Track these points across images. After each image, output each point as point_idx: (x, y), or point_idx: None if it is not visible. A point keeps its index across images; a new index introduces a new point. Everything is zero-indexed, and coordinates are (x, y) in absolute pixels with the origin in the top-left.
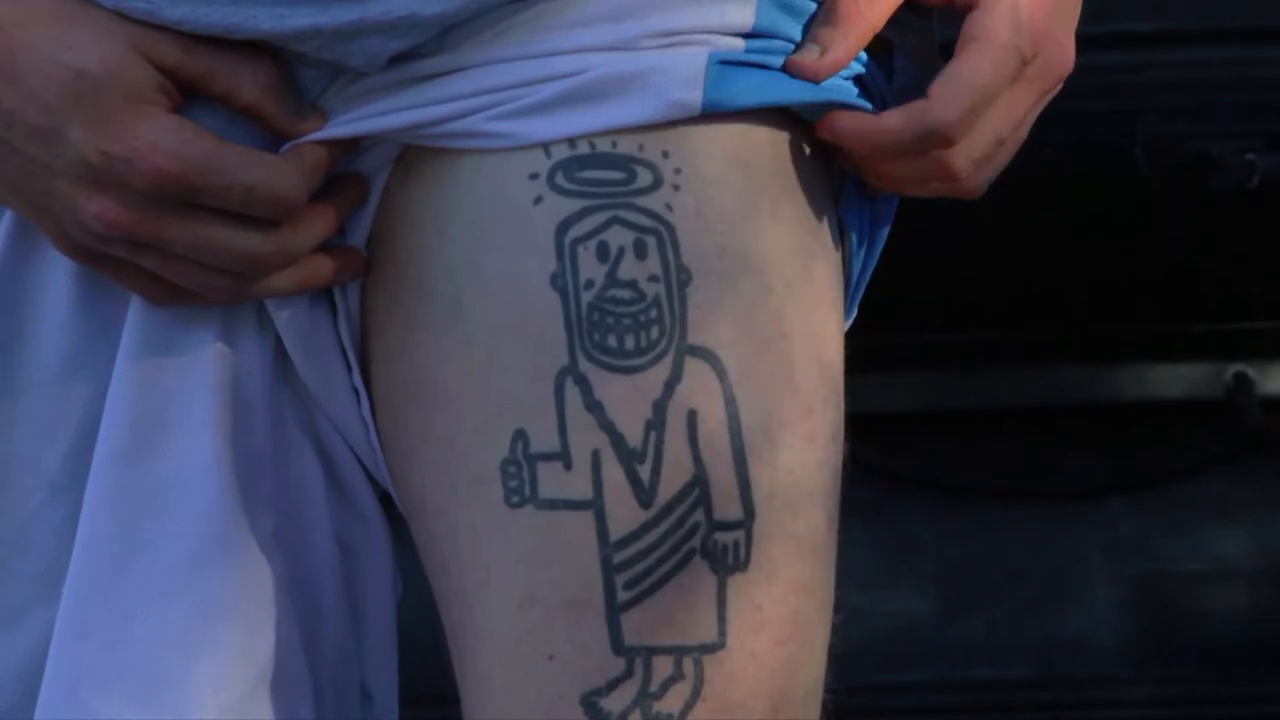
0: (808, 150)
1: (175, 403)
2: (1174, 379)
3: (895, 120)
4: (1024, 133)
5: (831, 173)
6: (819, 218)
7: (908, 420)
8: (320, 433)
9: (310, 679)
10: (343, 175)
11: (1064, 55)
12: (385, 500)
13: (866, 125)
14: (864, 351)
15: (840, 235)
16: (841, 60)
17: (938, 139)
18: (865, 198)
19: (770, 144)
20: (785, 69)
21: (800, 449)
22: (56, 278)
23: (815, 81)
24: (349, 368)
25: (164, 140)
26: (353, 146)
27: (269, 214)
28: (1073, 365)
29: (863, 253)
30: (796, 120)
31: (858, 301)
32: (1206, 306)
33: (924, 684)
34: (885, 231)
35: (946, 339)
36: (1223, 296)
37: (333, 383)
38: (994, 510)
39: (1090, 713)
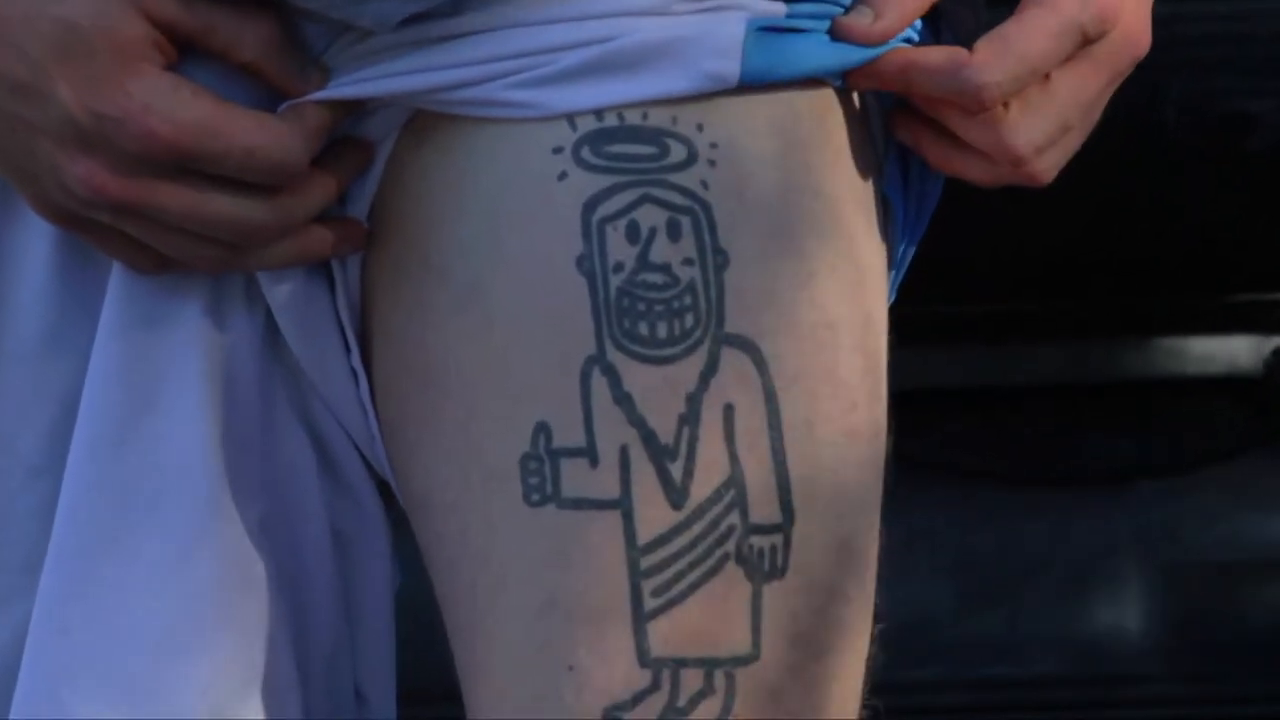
0: (851, 122)
1: (160, 382)
2: (1208, 354)
3: (935, 58)
4: (1094, 118)
5: (875, 146)
6: (863, 194)
7: (921, 399)
8: (313, 416)
9: (298, 679)
10: (345, 139)
11: (1137, 35)
12: (383, 486)
13: (898, 60)
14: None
15: (884, 213)
16: (895, 28)
17: (969, 98)
18: (911, 175)
19: (812, 115)
20: (833, 32)
21: (843, 446)
22: (35, 244)
23: (865, 46)
24: (347, 348)
25: (158, 101)
26: (357, 108)
27: (268, 180)
28: (1099, 340)
29: (905, 233)
30: (840, 90)
31: (897, 285)
32: (1243, 276)
33: (938, 682)
34: (930, 210)
35: (962, 311)
36: (1261, 265)
37: (329, 363)
38: (1014, 496)
39: (1118, 712)
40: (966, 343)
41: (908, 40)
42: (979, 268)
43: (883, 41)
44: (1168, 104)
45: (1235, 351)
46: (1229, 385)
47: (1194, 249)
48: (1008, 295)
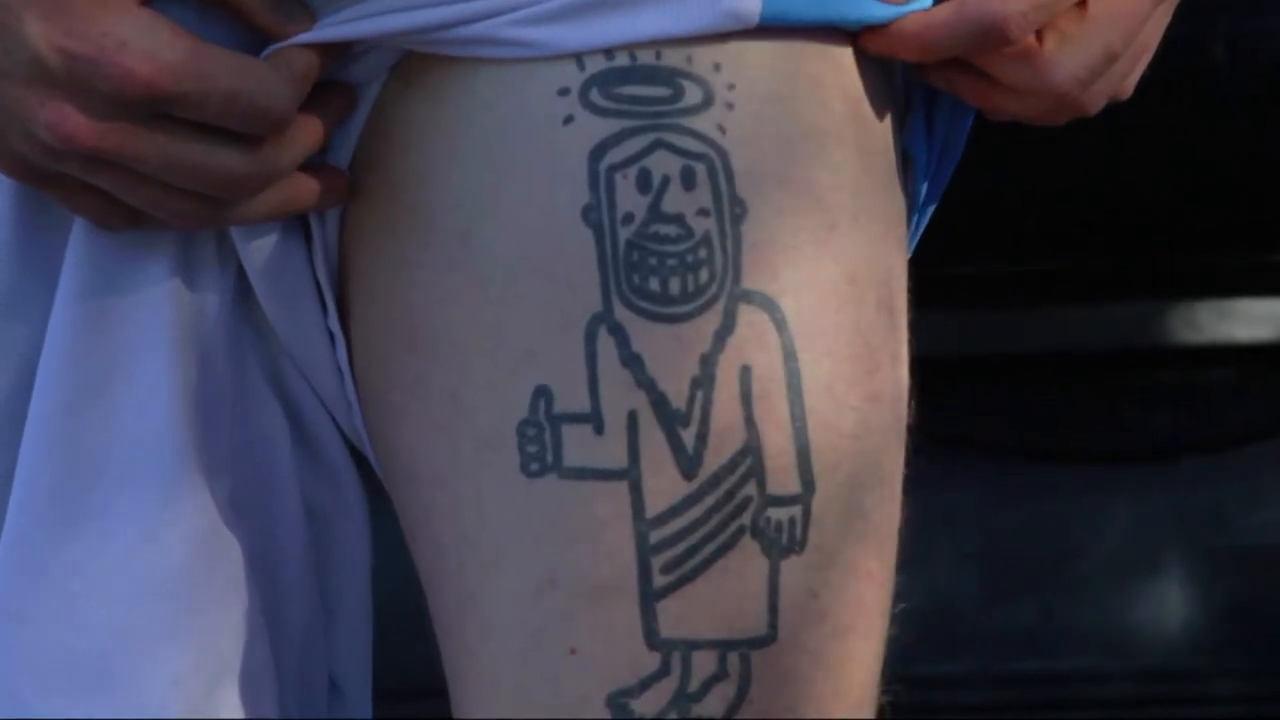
0: (873, 70)
1: (124, 348)
2: (1257, 318)
3: (943, 14)
4: (1146, 42)
5: (897, 96)
6: (886, 144)
7: (941, 367)
8: (286, 383)
9: (273, 668)
10: (327, 83)
11: None
12: (360, 460)
13: (910, 26)
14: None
15: (904, 166)
16: None
17: (993, 36)
18: (934, 125)
19: (834, 61)
20: None
21: (866, 412)
22: None
23: (889, 2)
24: (323, 308)
25: (136, 39)
26: (343, 51)
27: (251, 129)
28: (1138, 302)
29: (926, 187)
30: (858, 35)
31: (915, 242)
32: None
33: (962, 677)
34: (953, 163)
35: (987, 271)
36: None
37: (304, 325)
38: (1045, 474)
39: (1159, 710)
40: (993, 306)
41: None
42: (1007, 223)
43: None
44: (1216, 43)
45: None
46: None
47: (1243, 201)
48: (1037, 253)
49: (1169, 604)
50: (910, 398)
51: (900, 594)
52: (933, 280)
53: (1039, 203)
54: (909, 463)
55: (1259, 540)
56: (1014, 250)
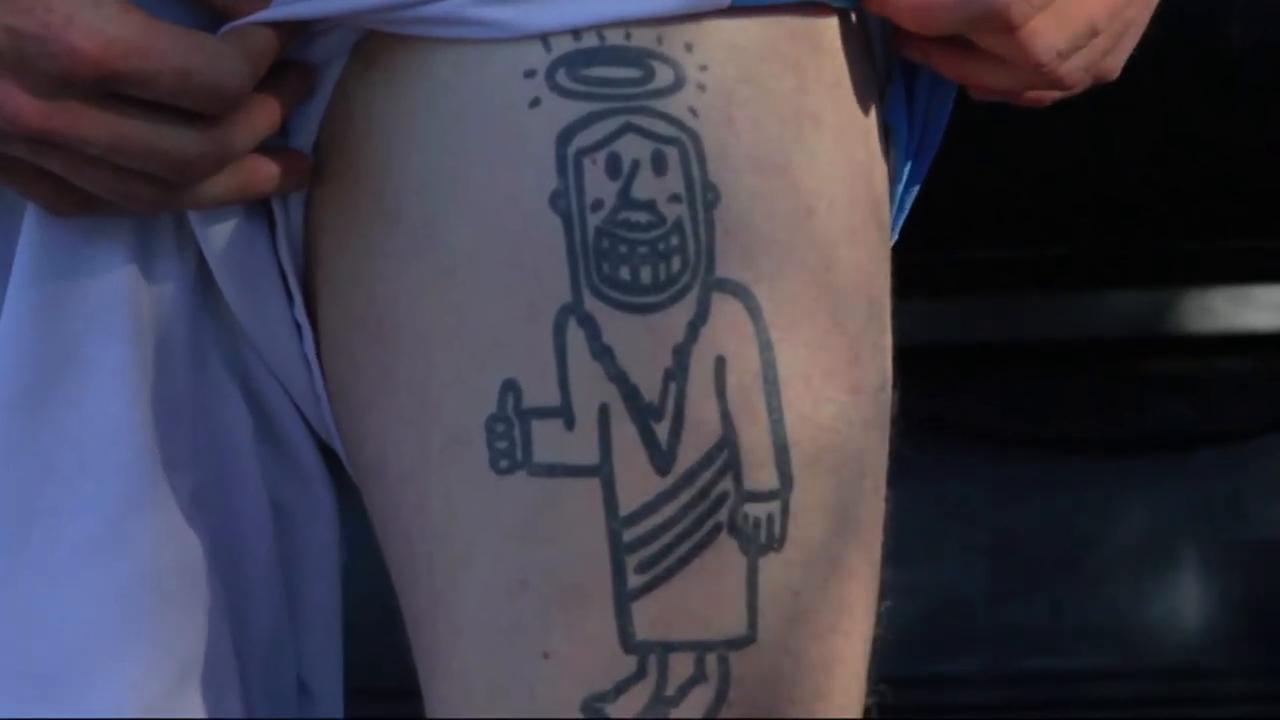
0: (851, 44)
1: (81, 339)
2: (1273, 305)
3: None
4: (1127, 22)
5: (877, 69)
6: (864, 122)
7: (952, 355)
8: (250, 375)
9: (237, 669)
10: (285, 62)
11: None
12: (329, 454)
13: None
14: (892, 271)
15: (886, 143)
16: None
17: (994, 20)
18: (915, 96)
19: (810, 38)
20: None
21: (845, 403)
22: None
23: None
24: (289, 298)
25: (82, 15)
26: (302, 30)
27: (205, 107)
28: (1151, 289)
29: (910, 161)
30: (836, 9)
31: (900, 224)
32: None
33: (973, 675)
34: (937, 138)
35: (999, 257)
36: None
37: (269, 315)
38: (1057, 465)
39: (1175, 710)
40: (1003, 292)
41: None
42: (1017, 207)
43: None
44: (1230, 24)
45: None
46: None
47: (1258, 185)
48: (1049, 238)
49: (1183, 599)
50: (895, 388)
51: (906, 590)
52: (944, 266)
53: (1053, 188)
54: (898, 452)
55: (1276, 533)
56: (1027, 236)
